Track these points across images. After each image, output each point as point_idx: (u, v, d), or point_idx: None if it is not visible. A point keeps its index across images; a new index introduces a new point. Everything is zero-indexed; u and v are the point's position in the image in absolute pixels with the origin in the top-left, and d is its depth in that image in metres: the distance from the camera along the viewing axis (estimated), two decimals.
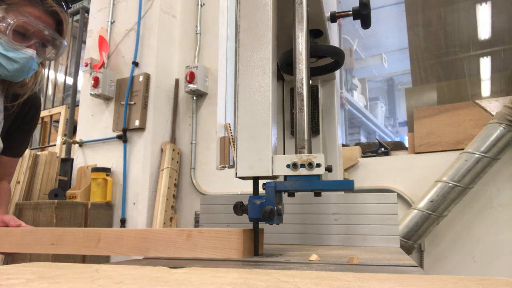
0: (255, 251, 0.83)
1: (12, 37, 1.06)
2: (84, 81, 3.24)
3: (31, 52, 1.10)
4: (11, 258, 2.17)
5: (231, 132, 2.96)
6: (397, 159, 2.52)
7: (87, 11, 3.59)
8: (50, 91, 4.34)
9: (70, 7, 1.21)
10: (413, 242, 2.15)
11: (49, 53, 1.18)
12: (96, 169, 2.82)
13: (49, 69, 3.63)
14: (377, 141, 2.76)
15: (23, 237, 0.92)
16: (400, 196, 2.35)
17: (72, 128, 3.36)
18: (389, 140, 7.00)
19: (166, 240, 0.79)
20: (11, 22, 1.04)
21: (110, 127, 3.00)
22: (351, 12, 1.13)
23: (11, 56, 1.07)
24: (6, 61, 1.07)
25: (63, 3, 1.15)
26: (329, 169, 0.86)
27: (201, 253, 0.76)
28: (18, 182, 2.68)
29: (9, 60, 1.07)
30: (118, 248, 0.82)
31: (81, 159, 3.10)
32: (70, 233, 0.87)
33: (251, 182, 0.89)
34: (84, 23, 3.59)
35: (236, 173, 0.86)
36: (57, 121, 3.65)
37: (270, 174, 0.84)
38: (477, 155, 2.12)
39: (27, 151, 2.72)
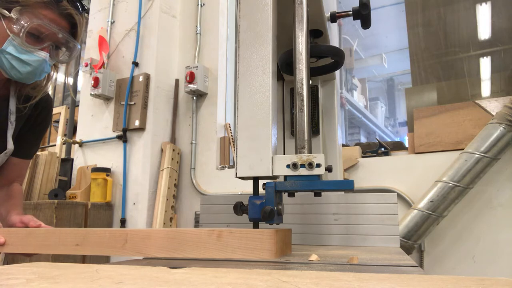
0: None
1: (26, 39, 1.04)
2: (84, 81, 3.24)
3: (44, 55, 1.09)
4: (11, 258, 2.17)
5: (231, 132, 2.96)
6: (397, 159, 2.52)
7: (87, 11, 3.58)
8: (50, 91, 4.33)
9: (86, 9, 1.19)
10: (413, 242, 2.15)
11: (62, 55, 1.17)
12: (96, 169, 2.82)
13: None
14: (377, 141, 2.76)
15: (46, 238, 0.90)
16: (400, 196, 2.35)
17: (72, 128, 3.36)
18: (389, 140, 7.00)
19: (195, 241, 0.77)
20: (25, 24, 1.02)
21: (110, 127, 3.00)
22: (351, 12, 1.13)
23: (24, 59, 1.06)
24: (18, 63, 1.06)
25: (78, 4, 1.14)
26: (329, 169, 0.86)
27: (232, 253, 0.74)
28: None
29: (22, 63, 1.06)
30: (145, 249, 0.80)
31: (81, 159, 3.09)
32: (95, 233, 0.85)
33: (251, 182, 0.89)
34: (84, 23, 3.58)
35: (236, 173, 0.86)
36: (57, 121, 3.66)
37: (270, 174, 0.84)
38: (477, 155, 2.12)
39: None
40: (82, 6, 1.16)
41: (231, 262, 0.81)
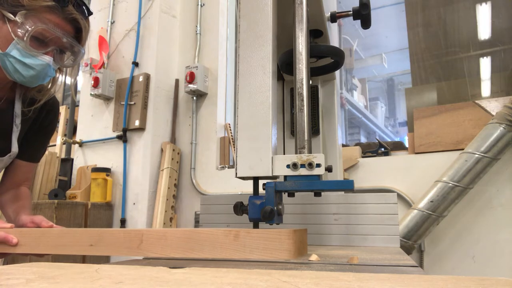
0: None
1: (30, 43, 1.04)
2: (84, 81, 3.24)
3: (48, 59, 1.08)
4: (11, 258, 2.16)
5: (231, 132, 2.96)
6: (397, 159, 2.52)
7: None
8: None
9: (92, 13, 1.18)
10: (413, 242, 2.15)
11: (67, 59, 1.17)
12: (96, 169, 2.82)
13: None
14: (377, 141, 2.76)
15: (59, 238, 0.89)
16: (400, 196, 2.35)
17: (72, 128, 3.36)
18: (389, 140, 7.00)
19: (212, 241, 0.76)
20: (30, 28, 1.02)
21: (110, 127, 3.00)
22: (351, 12, 1.13)
23: (27, 63, 1.06)
24: (22, 67, 1.06)
25: (84, 8, 1.13)
26: (329, 169, 0.86)
27: (250, 254, 0.73)
28: None
29: (26, 66, 1.06)
30: (161, 249, 0.79)
31: (81, 159, 3.10)
32: (109, 234, 0.84)
33: (251, 182, 0.89)
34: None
35: (236, 173, 0.86)
36: (57, 121, 3.65)
37: (270, 174, 0.84)
38: (477, 155, 2.12)
39: None
40: (88, 10, 1.15)
41: (231, 262, 0.81)
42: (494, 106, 2.32)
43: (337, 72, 1.43)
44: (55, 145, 3.35)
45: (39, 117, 1.28)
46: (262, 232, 0.74)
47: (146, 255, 0.80)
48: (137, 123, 2.85)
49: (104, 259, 2.47)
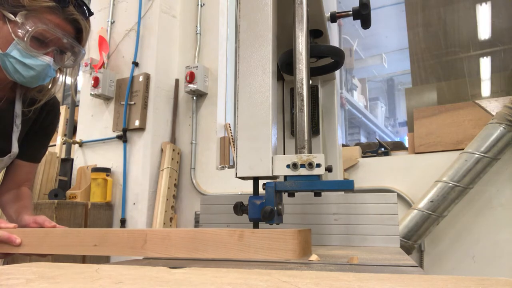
0: None
1: (30, 43, 1.04)
2: (84, 81, 3.24)
3: (48, 59, 1.08)
4: (11, 258, 2.16)
5: (231, 132, 2.96)
6: (397, 159, 2.52)
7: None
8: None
9: (92, 14, 1.18)
10: (413, 242, 2.15)
11: (67, 60, 1.17)
12: (96, 169, 2.82)
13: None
14: (377, 141, 2.76)
15: (63, 238, 0.89)
16: (400, 196, 2.35)
17: (72, 128, 3.36)
18: (389, 140, 7.00)
19: (216, 241, 0.76)
20: (30, 29, 1.02)
21: (110, 127, 3.00)
22: (351, 12, 1.13)
23: (27, 63, 1.06)
24: (22, 67, 1.06)
25: (84, 8, 1.13)
26: (329, 169, 0.86)
27: (254, 254, 0.73)
28: None
29: (26, 67, 1.06)
30: (165, 249, 0.79)
31: (81, 159, 3.10)
32: (113, 234, 0.84)
33: (251, 182, 0.89)
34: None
35: (236, 173, 0.86)
36: (58, 121, 3.65)
37: (270, 174, 0.83)
38: (477, 155, 2.12)
39: None
40: (89, 10, 1.15)
41: (232, 262, 0.81)
42: (494, 106, 2.32)
43: (337, 72, 1.43)
44: (55, 145, 3.35)
45: (39, 117, 1.28)
46: (267, 232, 0.73)
47: (150, 255, 0.80)
48: (137, 123, 2.85)
49: (104, 259, 2.47)
